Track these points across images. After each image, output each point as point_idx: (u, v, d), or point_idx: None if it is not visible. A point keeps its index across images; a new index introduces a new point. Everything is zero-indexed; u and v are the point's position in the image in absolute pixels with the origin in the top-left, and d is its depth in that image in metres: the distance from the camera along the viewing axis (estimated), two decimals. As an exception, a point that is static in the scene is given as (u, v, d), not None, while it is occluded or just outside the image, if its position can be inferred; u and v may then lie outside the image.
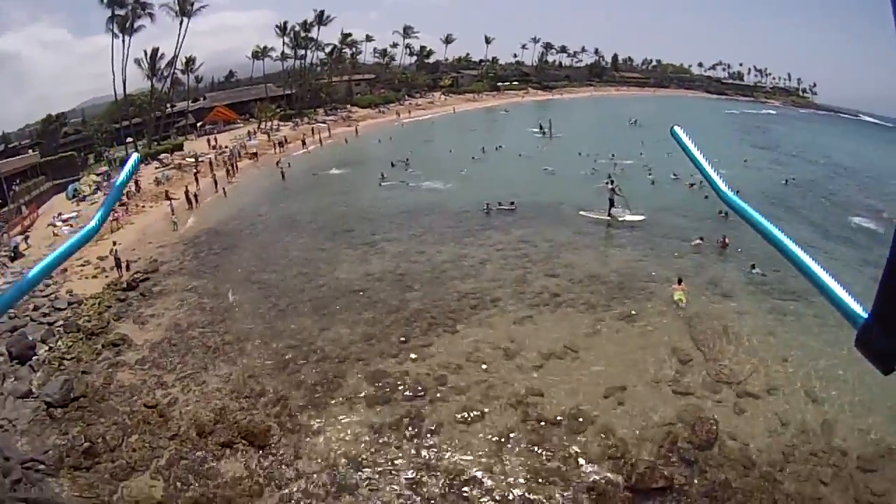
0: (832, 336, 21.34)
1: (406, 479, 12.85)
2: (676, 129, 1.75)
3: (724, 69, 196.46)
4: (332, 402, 15.41)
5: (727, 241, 29.77)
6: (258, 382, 16.37)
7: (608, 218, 33.71)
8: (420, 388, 16.03)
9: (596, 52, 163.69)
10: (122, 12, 57.62)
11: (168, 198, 38.61)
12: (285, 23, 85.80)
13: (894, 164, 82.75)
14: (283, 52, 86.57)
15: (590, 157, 51.92)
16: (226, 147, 56.35)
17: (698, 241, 30.23)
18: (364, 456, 13.43)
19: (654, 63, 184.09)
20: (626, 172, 43.51)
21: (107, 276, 25.37)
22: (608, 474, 13.64)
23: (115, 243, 27.84)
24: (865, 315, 1.05)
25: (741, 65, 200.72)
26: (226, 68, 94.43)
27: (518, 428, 14.72)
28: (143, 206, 37.94)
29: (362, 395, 15.71)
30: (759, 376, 18.87)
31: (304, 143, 59.88)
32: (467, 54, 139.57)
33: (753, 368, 19.19)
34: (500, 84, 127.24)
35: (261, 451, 13.66)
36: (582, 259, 26.80)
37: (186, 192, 39.42)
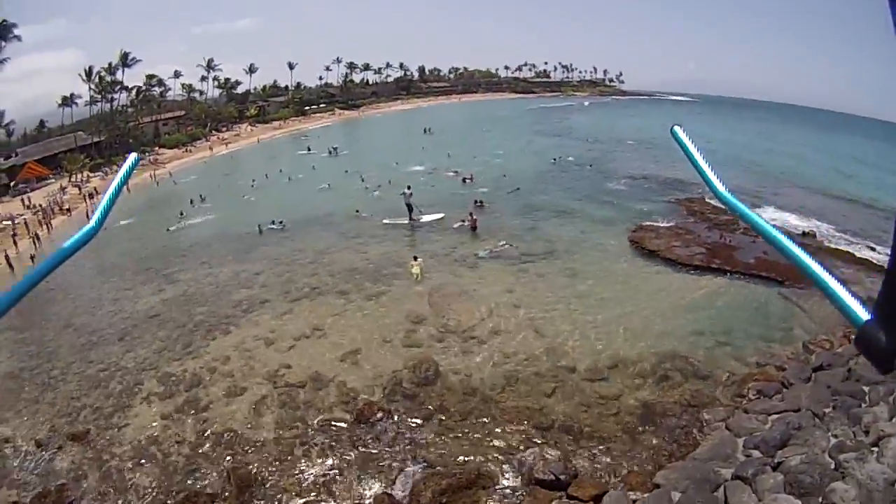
0: (561, 285, 25.55)
1: (189, 444, 15.87)
2: (676, 129, 1.76)
3: (530, 69, 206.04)
4: (133, 402, 18.21)
5: (476, 223, 33.68)
6: (78, 401, 18.78)
7: (410, 222, 36.53)
8: (197, 380, 19.12)
9: (401, 66, 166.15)
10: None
11: (-16, 264, 37.21)
12: (90, 67, 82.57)
13: (665, 131, 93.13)
14: (91, 96, 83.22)
15: (357, 172, 55.03)
16: (40, 205, 53.87)
17: (459, 223, 34.20)
18: (157, 435, 16.32)
19: (462, 70, 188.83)
20: (409, 177, 47.32)
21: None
22: (339, 414, 16.85)
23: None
24: (866, 315, 0.99)
25: (546, 63, 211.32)
26: (37, 117, 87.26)
27: (270, 394, 18.04)
28: (-40, 277, 36.25)
29: (155, 392, 18.61)
30: (487, 324, 21.93)
31: (112, 191, 56.77)
32: (274, 81, 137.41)
33: (481, 318, 22.33)
34: (306, 108, 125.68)
35: (84, 447, 16.16)
36: (343, 257, 30.25)
37: (6, 257, 38.90)
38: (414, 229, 35.55)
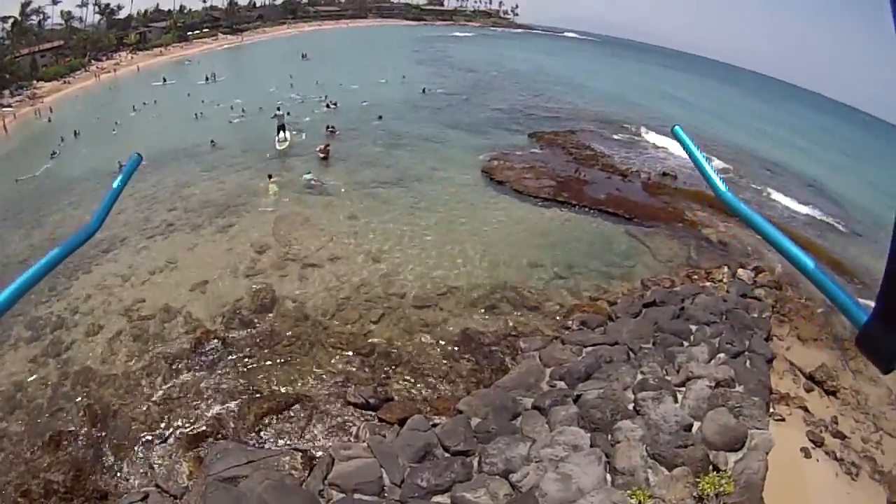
0: (405, 213, 25.88)
1: (52, 385, 16.28)
2: (678, 128, 1.72)
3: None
4: (3, 350, 18.10)
5: (329, 151, 33.21)
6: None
7: (283, 142, 35.95)
8: (60, 321, 19.10)
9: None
10: None
11: None
12: (-38, 0, 70.53)
13: (549, 66, 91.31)
14: (-35, 32, 71.00)
15: (230, 100, 52.37)
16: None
17: (316, 150, 33.66)
18: (24, 381, 16.56)
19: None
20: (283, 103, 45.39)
21: None
22: (182, 345, 17.50)
23: None
24: (866, 315, 0.93)
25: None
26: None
27: (124, 329, 18.40)
28: None
29: (23, 338, 18.49)
30: (326, 251, 22.41)
31: (-9, 132, 48.86)
32: (157, 5, 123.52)
33: (321, 246, 22.76)
34: (189, 34, 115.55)
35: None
36: (199, 190, 29.69)
37: None
38: (269, 157, 34.86)
